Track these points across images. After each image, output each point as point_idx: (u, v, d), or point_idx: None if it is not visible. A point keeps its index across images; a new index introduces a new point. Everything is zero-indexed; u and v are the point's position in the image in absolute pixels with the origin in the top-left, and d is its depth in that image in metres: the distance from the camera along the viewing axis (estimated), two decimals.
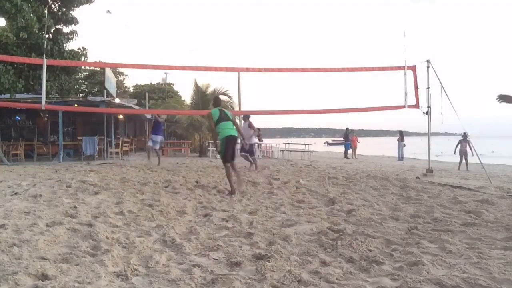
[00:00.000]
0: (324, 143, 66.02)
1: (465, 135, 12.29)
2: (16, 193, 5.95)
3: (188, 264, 2.83)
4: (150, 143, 12.14)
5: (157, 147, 12.21)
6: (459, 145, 12.39)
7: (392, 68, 9.83)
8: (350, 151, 20.05)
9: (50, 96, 14.25)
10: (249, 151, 10.21)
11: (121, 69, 33.72)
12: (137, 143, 21.81)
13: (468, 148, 11.99)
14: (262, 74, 11.81)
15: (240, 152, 10.15)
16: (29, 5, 11.79)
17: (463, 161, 12.21)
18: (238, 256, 2.96)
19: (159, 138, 12.16)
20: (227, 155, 6.36)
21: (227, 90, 21.13)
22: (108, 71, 16.98)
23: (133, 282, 2.50)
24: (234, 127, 6.49)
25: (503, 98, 4.34)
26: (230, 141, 6.36)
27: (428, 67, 9.23)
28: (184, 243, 3.29)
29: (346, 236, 3.47)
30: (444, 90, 8.80)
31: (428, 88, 9.28)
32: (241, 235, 3.65)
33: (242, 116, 11.13)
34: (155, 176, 8.56)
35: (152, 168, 10.68)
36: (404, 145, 18.31)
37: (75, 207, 4.83)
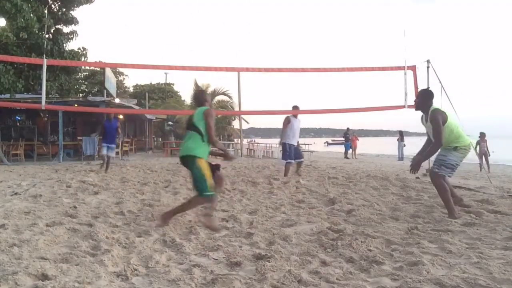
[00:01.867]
0: (324, 143, 66.08)
1: (483, 135, 11.95)
2: (16, 193, 5.95)
3: (188, 264, 2.83)
4: (105, 151, 9.49)
5: (113, 154, 10.10)
6: (478, 146, 11.92)
7: (392, 68, 9.82)
8: (350, 151, 20.07)
9: (50, 96, 14.25)
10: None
11: (121, 69, 33.77)
12: (137, 143, 21.81)
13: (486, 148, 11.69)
14: (262, 74, 11.79)
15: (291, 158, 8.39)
16: (29, 5, 11.79)
17: (483, 161, 11.73)
18: (238, 256, 2.96)
19: (114, 145, 9.86)
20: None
21: (227, 90, 21.19)
22: (108, 71, 17.00)
23: (133, 282, 2.50)
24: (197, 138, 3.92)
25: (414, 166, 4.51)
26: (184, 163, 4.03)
27: (428, 67, 9.22)
28: (184, 243, 3.29)
29: (346, 236, 3.46)
30: (444, 90, 8.79)
31: (428, 88, 9.27)
32: (241, 235, 3.64)
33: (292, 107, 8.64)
34: (155, 176, 8.57)
35: (152, 168, 10.68)
36: (404, 145, 18.32)
37: (75, 207, 4.84)
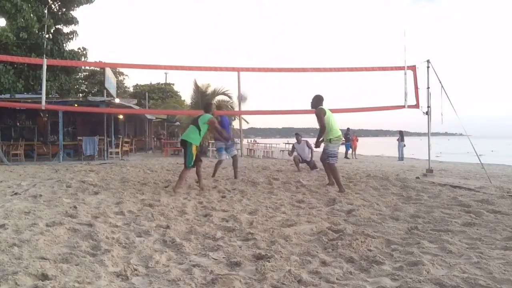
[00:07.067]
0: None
1: None
2: (16, 193, 5.95)
3: (188, 264, 2.83)
4: (224, 155, 8.31)
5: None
6: None
7: (392, 68, 9.81)
8: (350, 151, 20.06)
9: (50, 96, 14.27)
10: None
11: (121, 69, 33.80)
12: (137, 143, 21.80)
13: None
14: (262, 74, 11.78)
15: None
16: (29, 5, 11.81)
17: None
18: (238, 256, 2.96)
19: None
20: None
21: (227, 90, 21.14)
22: (108, 71, 16.98)
23: (133, 282, 2.50)
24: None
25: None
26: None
27: (428, 67, 9.21)
28: (184, 243, 3.29)
29: (346, 236, 3.46)
30: (444, 90, 8.79)
31: (428, 88, 9.26)
32: (241, 235, 3.65)
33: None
34: (155, 176, 8.57)
35: (152, 168, 10.68)
36: (404, 145, 18.31)
37: (75, 207, 4.84)
